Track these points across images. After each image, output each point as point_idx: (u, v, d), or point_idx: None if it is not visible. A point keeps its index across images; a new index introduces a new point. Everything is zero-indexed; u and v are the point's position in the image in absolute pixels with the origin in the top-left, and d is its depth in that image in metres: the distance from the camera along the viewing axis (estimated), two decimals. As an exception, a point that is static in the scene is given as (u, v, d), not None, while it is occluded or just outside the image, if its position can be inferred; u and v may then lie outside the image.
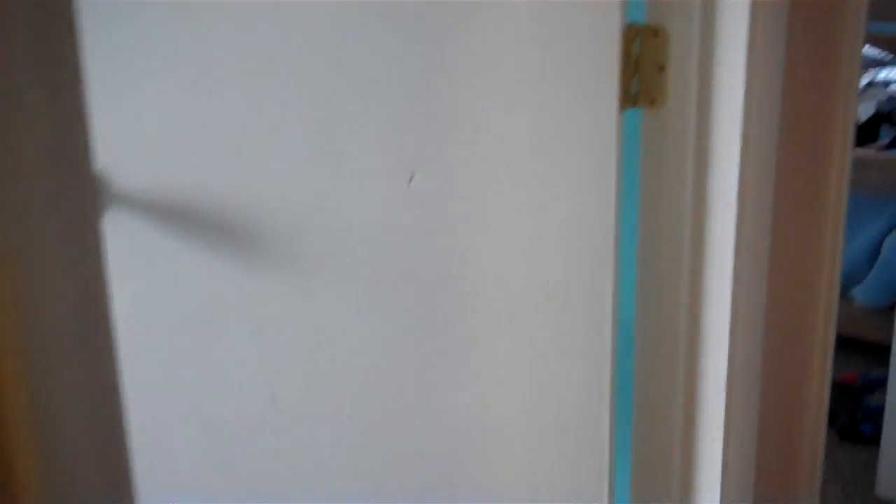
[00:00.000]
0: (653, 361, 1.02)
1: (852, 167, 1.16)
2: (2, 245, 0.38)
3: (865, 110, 3.05)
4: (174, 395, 1.20)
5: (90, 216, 0.43)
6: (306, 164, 1.03)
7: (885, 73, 3.48)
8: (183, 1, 1.02)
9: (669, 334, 1.00)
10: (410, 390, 1.06)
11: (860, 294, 2.81)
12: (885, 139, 3.07)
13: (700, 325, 0.98)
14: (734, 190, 0.92)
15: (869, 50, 3.48)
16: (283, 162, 1.04)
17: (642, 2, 0.90)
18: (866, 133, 3.01)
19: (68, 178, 0.42)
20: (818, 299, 1.18)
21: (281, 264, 1.07)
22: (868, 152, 2.92)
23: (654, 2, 0.90)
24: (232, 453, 1.19)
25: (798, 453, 1.25)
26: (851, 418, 2.51)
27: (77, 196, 0.42)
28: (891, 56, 3.84)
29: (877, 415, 2.42)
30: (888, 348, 2.18)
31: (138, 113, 1.08)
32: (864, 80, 3.27)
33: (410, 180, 0.97)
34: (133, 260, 1.14)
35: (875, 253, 2.79)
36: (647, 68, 0.91)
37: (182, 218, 1.10)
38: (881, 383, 2.50)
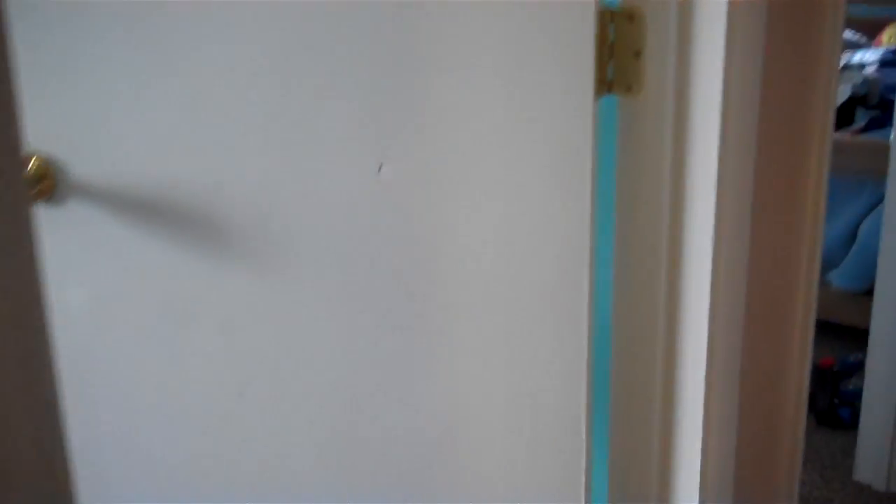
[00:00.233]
0: (630, 355, 1.00)
1: (829, 151, 1.14)
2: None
3: (841, 93, 3.05)
4: (139, 389, 1.17)
5: (18, 206, 0.39)
6: (271, 154, 1.00)
7: (859, 56, 3.49)
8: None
9: (647, 326, 0.98)
10: (381, 385, 1.05)
11: (836, 278, 2.82)
12: (861, 122, 3.07)
13: (678, 317, 0.97)
14: (713, 177, 0.90)
15: (844, 33, 3.47)
16: (247, 152, 1.01)
17: (617, -15, 0.88)
18: (842, 116, 3.01)
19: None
20: (798, 285, 1.17)
21: (246, 256, 1.05)
22: (844, 136, 2.91)
23: (629, -15, 0.88)
24: (200, 448, 1.17)
25: (778, 440, 1.24)
26: (829, 403, 2.52)
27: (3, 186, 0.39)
28: (865, 38, 3.85)
29: (854, 399, 2.43)
30: (865, 332, 2.18)
31: (96, 101, 1.05)
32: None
33: (379, 170, 0.95)
34: (92, 252, 1.11)
35: (851, 237, 2.80)
36: (622, 54, 0.89)
37: (144, 209, 1.07)
38: (858, 367, 2.51)
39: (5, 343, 0.42)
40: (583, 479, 0.99)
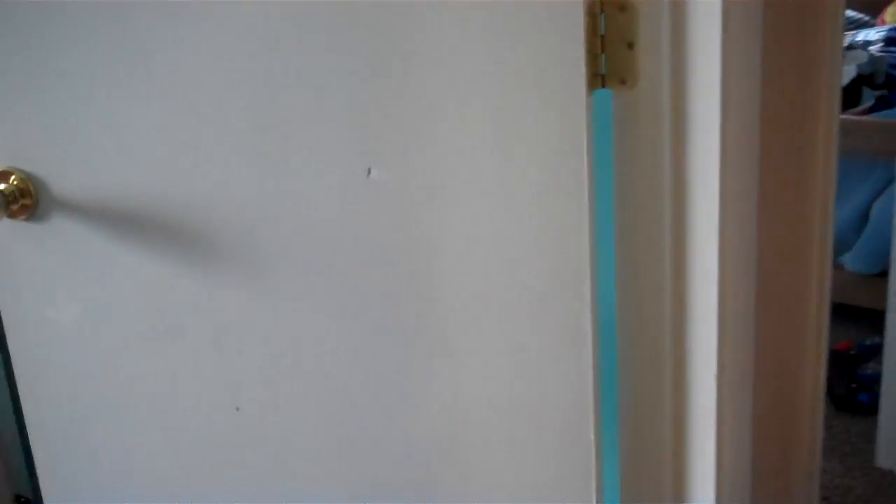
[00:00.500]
0: (637, 351, 0.99)
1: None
2: None
3: (847, 73, 3.01)
4: (132, 406, 1.16)
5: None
6: (257, 161, 0.99)
7: (863, 35, 3.45)
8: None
9: (654, 322, 0.96)
10: (381, 392, 1.03)
11: (850, 261, 2.79)
12: (868, 102, 3.03)
13: (686, 310, 0.95)
14: (716, 168, 0.88)
15: (847, 11, 3.44)
16: (233, 158, 0.99)
17: (605, -26, 0.85)
18: (848, 97, 2.97)
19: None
20: (811, 270, 1.16)
21: (236, 266, 1.03)
22: (851, 117, 2.88)
23: (618, -27, 0.85)
24: (198, 463, 1.16)
25: (796, 429, 1.23)
26: (848, 388, 2.49)
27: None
28: (868, 17, 3.82)
29: (873, 383, 2.40)
30: (881, 315, 2.16)
31: (75, 113, 1.04)
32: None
33: (368, 174, 0.93)
34: (78, 267, 1.10)
35: (863, 220, 2.77)
36: (614, 46, 0.86)
37: (129, 222, 1.06)
38: (876, 351, 2.48)
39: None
40: (593, 481, 0.97)
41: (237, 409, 1.09)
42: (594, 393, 0.94)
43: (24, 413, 1.21)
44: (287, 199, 0.99)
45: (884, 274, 2.19)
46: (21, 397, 1.20)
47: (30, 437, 1.22)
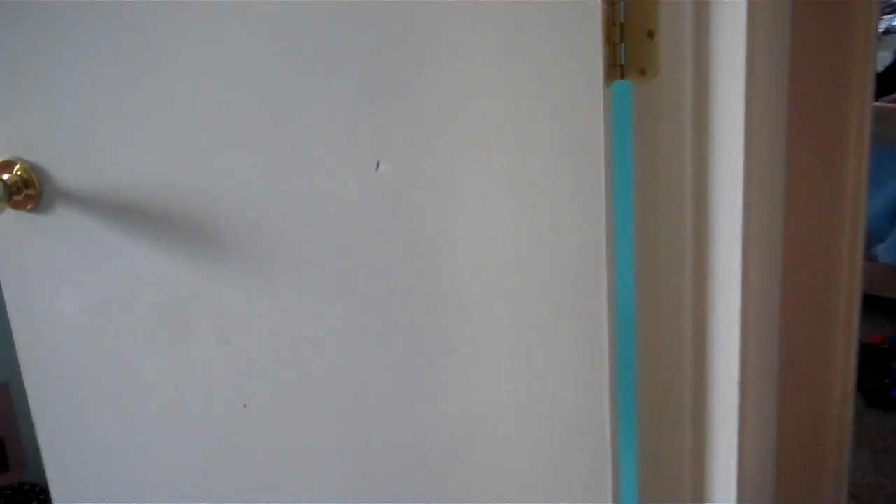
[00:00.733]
0: (656, 347, 0.98)
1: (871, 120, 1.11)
2: None
3: (882, 60, 2.95)
4: (137, 401, 1.15)
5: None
6: (264, 153, 0.97)
7: (902, 19, 3.37)
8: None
9: (673, 318, 0.95)
10: (390, 391, 1.02)
11: (883, 253, 2.75)
12: (904, 88, 2.96)
13: (707, 304, 0.94)
14: (740, 162, 0.86)
15: (884, -5, 3.37)
16: (239, 150, 0.98)
17: (625, -40, 0.83)
18: (885, 83, 2.91)
19: None
20: (841, 262, 1.14)
21: (242, 260, 1.02)
22: (886, 104, 2.82)
23: (637, -41, 0.83)
24: (205, 460, 1.15)
25: (824, 425, 1.21)
26: (880, 383, 2.46)
27: None
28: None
29: (906, 379, 2.37)
30: (915, 309, 2.12)
31: (80, 104, 1.02)
32: (879, 28, 3.18)
33: (377, 167, 0.92)
34: (83, 259, 1.09)
35: (897, 210, 2.73)
36: (634, 35, 0.84)
37: (134, 213, 1.05)
38: (909, 346, 2.44)
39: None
40: (610, 482, 0.96)
41: (244, 405, 1.09)
42: (610, 393, 0.93)
43: (29, 405, 1.21)
44: (295, 192, 0.97)
45: (918, 266, 2.15)
46: (27, 389, 1.20)
47: (36, 429, 1.22)
